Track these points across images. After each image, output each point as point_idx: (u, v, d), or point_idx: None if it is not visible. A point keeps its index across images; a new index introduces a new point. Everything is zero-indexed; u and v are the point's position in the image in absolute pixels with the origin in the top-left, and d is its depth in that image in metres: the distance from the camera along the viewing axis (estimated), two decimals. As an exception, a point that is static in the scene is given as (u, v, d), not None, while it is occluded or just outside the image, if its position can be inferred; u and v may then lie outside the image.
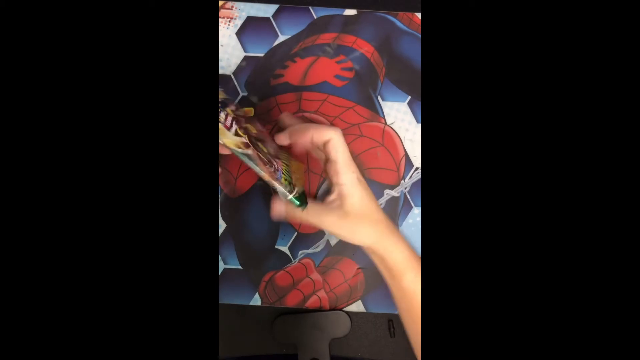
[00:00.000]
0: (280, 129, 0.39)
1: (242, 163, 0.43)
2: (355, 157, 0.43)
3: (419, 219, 0.43)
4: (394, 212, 0.43)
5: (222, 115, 0.33)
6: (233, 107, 0.36)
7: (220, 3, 0.46)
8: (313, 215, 0.37)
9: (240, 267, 0.42)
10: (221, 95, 0.37)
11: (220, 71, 0.45)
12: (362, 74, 0.45)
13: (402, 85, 0.45)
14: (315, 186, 0.43)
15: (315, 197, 0.41)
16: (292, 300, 0.42)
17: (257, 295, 0.42)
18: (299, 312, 0.42)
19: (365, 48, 0.45)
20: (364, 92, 0.44)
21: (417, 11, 0.46)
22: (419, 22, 0.46)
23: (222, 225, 0.43)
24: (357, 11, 0.46)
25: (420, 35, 0.45)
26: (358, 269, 0.43)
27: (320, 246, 0.43)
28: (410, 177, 0.43)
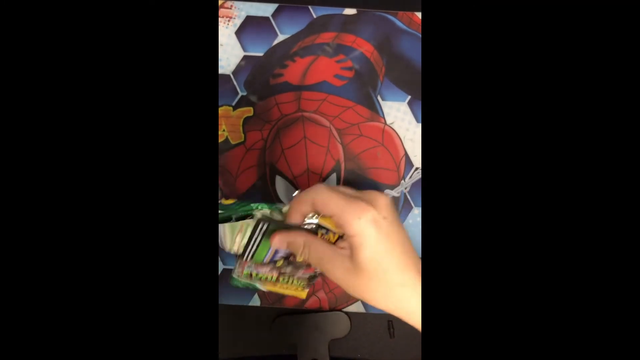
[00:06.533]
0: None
1: (241, 162, 0.43)
2: (355, 157, 0.43)
3: (419, 219, 0.43)
4: (393, 212, 0.43)
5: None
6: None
7: (219, 2, 0.45)
8: (316, 259, 0.31)
9: (239, 267, 0.42)
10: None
11: (220, 71, 0.44)
12: (362, 73, 0.44)
13: (402, 84, 0.44)
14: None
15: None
16: (291, 301, 0.42)
17: (256, 296, 0.42)
18: (299, 312, 0.42)
19: (364, 47, 0.45)
20: (364, 92, 0.44)
21: (417, 10, 0.46)
22: (419, 22, 0.45)
23: (221, 225, 0.43)
24: (357, 10, 0.46)
25: (420, 35, 0.45)
26: (358, 269, 0.43)
27: (319, 246, 0.43)
28: (411, 177, 0.43)
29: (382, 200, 0.31)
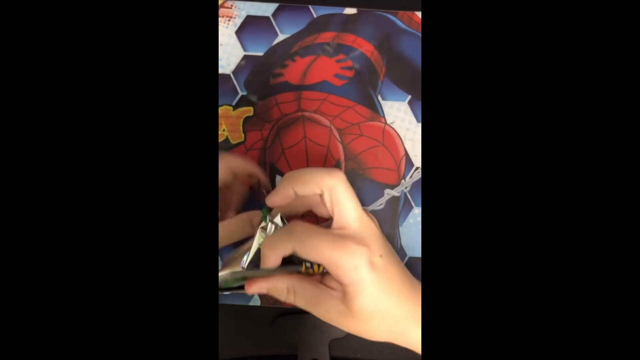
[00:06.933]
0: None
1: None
2: (355, 156, 0.43)
3: (419, 219, 0.43)
4: (394, 212, 0.43)
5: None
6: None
7: (219, 2, 0.45)
8: (304, 303, 0.29)
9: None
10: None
11: (220, 70, 0.44)
12: (362, 73, 0.44)
13: (402, 84, 0.44)
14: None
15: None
16: (291, 300, 0.42)
17: (256, 296, 0.42)
18: (299, 312, 0.42)
19: (365, 47, 0.45)
20: (364, 91, 0.44)
21: (417, 10, 0.46)
22: (419, 21, 0.45)
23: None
24: (357, 10, 0.46)
25: (421, 34, 0.45)
26: (358, 268, 0.42)
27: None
28: (411, 176, 0.43)
29: (375, 233, 0.28)
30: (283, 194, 0.30)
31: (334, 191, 0.28)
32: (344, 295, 0.27)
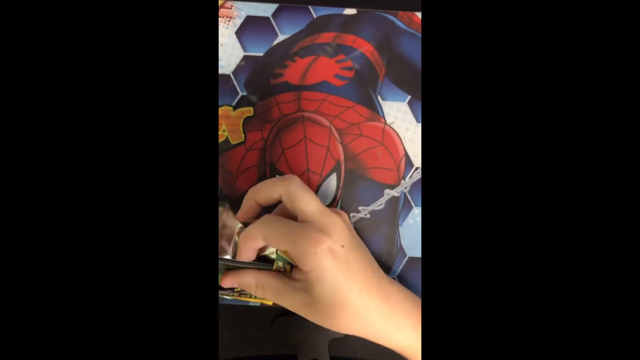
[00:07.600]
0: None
1: (241, 162, 0.43)
2: (355, 156, 0.43)
3: (419, 219, 0.43)
4: (394, 212, 0.43)
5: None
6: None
7: (219, 2, 0.45)
8: (271, 296, 0.30)
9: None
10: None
11: (220, 70, 0.44)
12: (362, 73, 0.44)
13: (402, 84, 0.44)
14: (314, 188, 0.43)
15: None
16: (291, 301, 0.42)
17: (256, 296, 0.42)
18: (299, 312, 0.42)
19: (365, 47, 0.45)
20: (364, 92, 0.44)
21: (417, 10, 0.46)
22: (419, 22, 0.45)
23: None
24: (357, 10, 0.46)
25: (420, 35, 0.45)
26: (358, 269, 0.42)
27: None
28: (411, 176, 0.43)
29: (338, 224, 0.29)
30: (247, 207, 0.33)
31: (289, 191, 0.30)
32: (307, 284, 0.28)
